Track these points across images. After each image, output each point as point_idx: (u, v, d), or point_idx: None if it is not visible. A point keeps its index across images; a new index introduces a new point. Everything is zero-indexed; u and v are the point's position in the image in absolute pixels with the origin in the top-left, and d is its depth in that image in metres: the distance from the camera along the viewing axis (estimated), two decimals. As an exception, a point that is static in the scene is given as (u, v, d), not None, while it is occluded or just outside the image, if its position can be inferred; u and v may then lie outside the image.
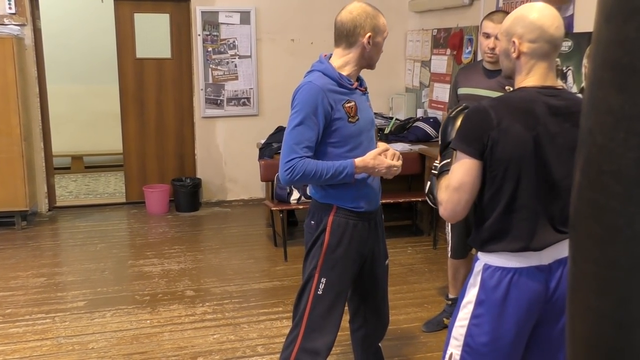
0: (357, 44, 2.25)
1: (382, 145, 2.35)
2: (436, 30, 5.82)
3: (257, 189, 6.35)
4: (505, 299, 1.77)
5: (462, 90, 3.32)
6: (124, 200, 6.41)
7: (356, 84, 2.32)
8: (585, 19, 3.82)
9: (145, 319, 3.69)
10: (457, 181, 1.76)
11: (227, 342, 3.41)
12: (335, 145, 2.27)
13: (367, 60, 2.30)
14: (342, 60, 2.29)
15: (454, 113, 1.94)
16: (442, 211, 1.82)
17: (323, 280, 2.32)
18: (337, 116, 2.23)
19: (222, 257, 4.81)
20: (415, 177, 5.27)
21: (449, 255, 3.50)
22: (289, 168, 2.20)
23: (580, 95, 2.46)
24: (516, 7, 2.36)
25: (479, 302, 1.81)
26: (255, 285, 4.26)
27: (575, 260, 1.03)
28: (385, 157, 2.29)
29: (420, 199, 5.02)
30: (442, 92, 5.62)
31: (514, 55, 1.79)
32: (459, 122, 1.86)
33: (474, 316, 1.82)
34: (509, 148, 1.71)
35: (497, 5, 4.68)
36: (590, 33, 1.57)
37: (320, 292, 2.33)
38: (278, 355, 2.56)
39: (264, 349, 3.32)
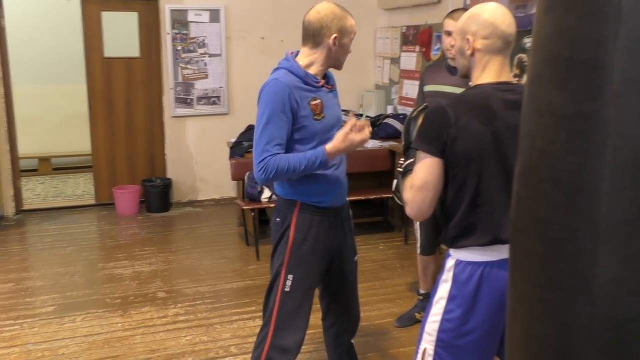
0: (324, 44, 2.26)
1: (347, 123, 2.23)
2: (405, 28, 5.86)
3: (228, 189, 6.32)
4: (477, 293, 1.80)
5: (428, 88, 3.37)
6: (93, 202, 6.33)
7: (323, 81, 2.33)
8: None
9: (116, 323, 3.65)
10: (420, 180, 1.79)
11: (200, 343, 3.40)
12: (302, 142, 2.27)
13: (334, 61, 2.31)
14: (308, 60, 2.30)
15: (415, 113, 1.98)
16: (409, 211, 1.86)
17: (290, 277, 2.33)
18: (303, 114, 2.23)
19: (194, 258, 4.78)
20: (386, 173, 5.32)
21: (418, 252, 3.55)
22: (262, 167, 2.20)
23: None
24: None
25: (451, 298, 1.83)
26: (228, 285, 4.24)
27: (515, 281, 0.92)
28: (353, 131, 2.20)
29: (391, 196, 5.05)
30: (412, 89, 5.67)
31: (469, 52, 1.84)
32: (420, 122, 1.89)
33: (446, 312, 1.84)
34: (469, 144, 1.75)
35: (465, 3, 4.73)
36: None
37: (287, 289, 2.33)
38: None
39: (238, 349, 3.32)
